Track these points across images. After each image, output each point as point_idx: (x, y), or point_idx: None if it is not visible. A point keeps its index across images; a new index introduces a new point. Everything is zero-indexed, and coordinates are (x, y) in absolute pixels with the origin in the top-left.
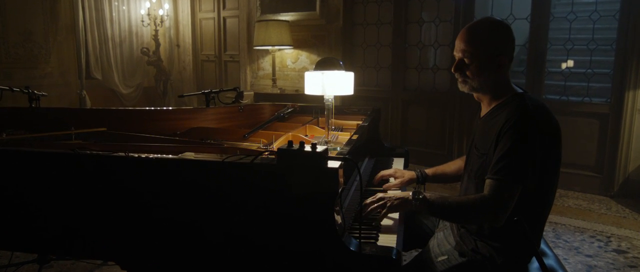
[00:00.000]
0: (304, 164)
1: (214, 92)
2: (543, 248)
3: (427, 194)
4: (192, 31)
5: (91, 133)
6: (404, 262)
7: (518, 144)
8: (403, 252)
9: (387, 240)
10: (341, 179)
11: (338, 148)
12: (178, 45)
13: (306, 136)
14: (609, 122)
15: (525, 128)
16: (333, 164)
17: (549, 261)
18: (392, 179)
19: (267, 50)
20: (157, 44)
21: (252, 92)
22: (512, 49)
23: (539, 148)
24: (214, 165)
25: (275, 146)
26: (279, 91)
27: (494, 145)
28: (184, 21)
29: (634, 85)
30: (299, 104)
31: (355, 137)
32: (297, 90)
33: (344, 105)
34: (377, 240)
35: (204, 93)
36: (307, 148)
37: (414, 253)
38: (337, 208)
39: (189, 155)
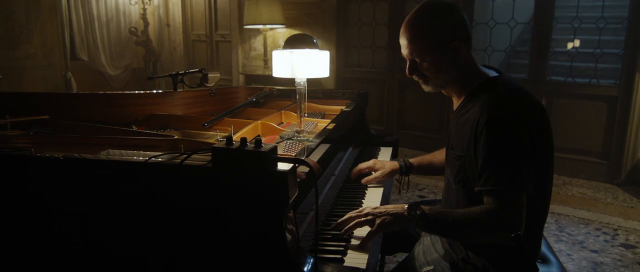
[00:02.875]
0: (244, 166)
1: (180, 74)
2: (544, 252)
3: (426, 209)
4: (182, 10)
5: (32, 122)
6: (386, 270)
7: (501, 142)
8: (387, 256)
9: (358, 259)
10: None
11: (310, 139)
12: (168, 25)
13: (281, 123)
14: (618, 106)
15: (504, 120)
16: (283, 166)
17: (552, 269)
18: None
19: (258, 29)
20: (146, 24)
21: (218, 75)
22: (464, 29)
23: (527, 140)
24: (128, 166)
25: (234, 138)
26: (270, 73)
27: (472, 145)
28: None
29: None
30: (277, 88)
31: (330, 126)
32: None
33: (328, 89)
34: (344, 256)
35: (170, 75)
36: (250, 146)
37: (401, 257)
38: (289, 221)
39: (114, 152)
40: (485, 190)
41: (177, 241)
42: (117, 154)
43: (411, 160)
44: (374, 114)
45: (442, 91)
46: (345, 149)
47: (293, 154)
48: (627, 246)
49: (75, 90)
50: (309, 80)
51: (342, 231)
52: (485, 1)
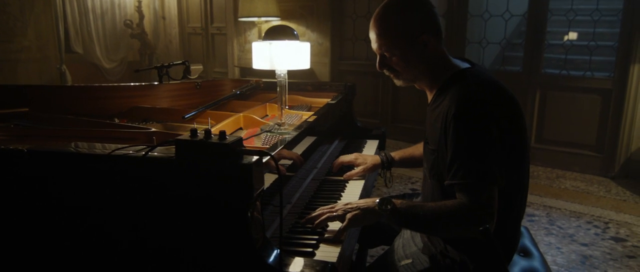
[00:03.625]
0: (208, 159)
1: (165, 67)
2: (527, 245)
3: (397, 203)
4: (178, 2)
5: (12, 114)
6: (368, 263)
7: (469, 134)
8: (369, 250)
9: (329, 253)
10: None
11: (289, 132)
12: (164, 17)
13: (266, 116)
14: (612, 98)
15: (472, 112)
16: (248, 159)
17: (533, 263)
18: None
19: (253, 22)
20: (141, 16)
21: (201, 67)
22: (433, 22)
23: (497, 132)
24: (91, 159)
25: (215, 130)
26: None
27: (443, 138)
28: None
29: None
30: (263, 80)
31: (311, 118)
32: None
33: (317, 81)
34: (316, 249)
35: (156, 67)
36: (214, 138)
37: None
38: (255, 213)
39: (83, 145)
40: (455, 183)
41: (140, 233)
42: (85, 147)
43: (393, 154)
44: (368, 107)
45: (415, 85)
46: (331, 141)
47: (268, 147)
48: (617, 240)
49: (70, 83)
50: (304, 73)
51: (313, 225)
52: None
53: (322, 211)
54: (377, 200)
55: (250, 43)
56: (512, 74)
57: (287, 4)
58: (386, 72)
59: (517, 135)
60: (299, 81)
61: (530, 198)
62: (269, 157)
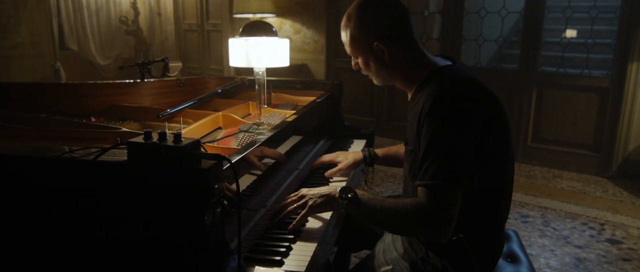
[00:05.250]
0: (161, 162)
1: (146, 64)
2: (515, 250)
3: (359, 193)
4: None
5: None
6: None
7: (441, 134)
8: (353, 254)
9: (301, 261)
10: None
11: (266, 132)
12: (159, 14)
13: (248, 115)
14: (610, 97)
15: (446, 111)
16: (205, 163)
17: (520, 269)
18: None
19: (249, 19)
20: (136, 13)
21: (180, 64)
22: (394, 27)
23: (471, 133)
24: (39, 162)
25: (191, 130)
26: None
27: (417, 138)
28: None
29: (639, 56)
30: (248, 78)
31: (291, 118)
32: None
33: (304, 79)
34: (285, 257)
35: (137, 65)
36: (169, 140)
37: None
38: (214, 220)
39: (36, 146)
40: (422, 184)
41: (90, 241)
42: (38, 149)
43: (376, 150)
44: (364, 106)
45: (395, 85)
46: (316, 141)
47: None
48: (612, 242)
49: (64, 81)
50: (299, 71)
51: (278, 218)
52: None
53: (285, 202)
54: (338, 188)
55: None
56: (508, 72)
57: (282, 1)
58: (363, 72)
59: (498, 136)
60: (289, 79)
61: (525, 199)
62: (225, 161)
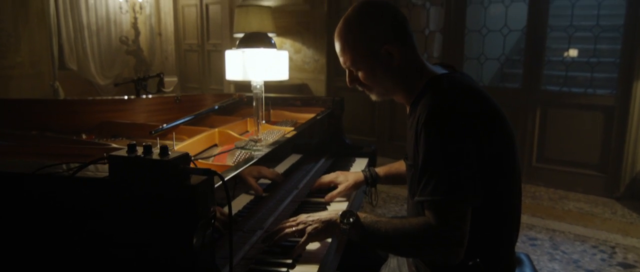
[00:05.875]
0: (145, 178)
1: (142, 79)
2: None
3: (361, 216)
4: (174, 19)
5: None
6: None
7: (439, 144)
8: None
9: None
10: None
11: (262, 148)
12: (160, 34)
13: (246, 132)
14: (615, 116)
15: (444, 121)
16: (194, 179)
17: None
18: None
19: None
20: (137, 33)
21: (175, 79)
22: (397, 31)
23: (472, 143)
24: (10, 177)
25: (184, 146)
26: None
27: (416, 150)
28: (165, 8)
29: None
30: (246, 94)
31: (290, 134)
32: (280, 81)
33: (304, 96)
34: None
35: (133, 81)
36: (155, 154)
37: None
38: (203, 240)
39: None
40: (422, 200)
41: (73, 260)
42: (14, 165)
43: (378, 169)
44: (364, 125)
45: (393, 98)
46: (317, 160)
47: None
48: (625, 266)
49: None
50: (298, 89)
51: (273, 241)
52: (478, 8)
53: (282, 225)
54: (340, 212)
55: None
56: (511, 90)
57: (282, 20)
58: (358, 88)
59: (500, 147)
60: (288, 96)
61: (532, 221)
62: (216, 176)
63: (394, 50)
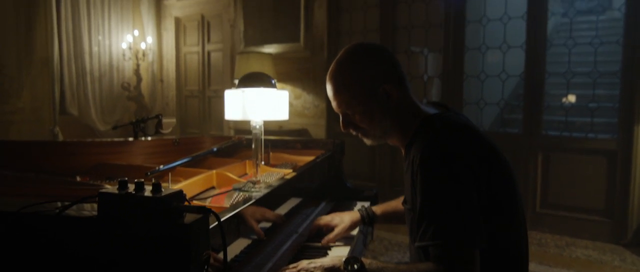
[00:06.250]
0: (136, 216)
1: (140, 121)
2: None
3: (366, 261)
4: (176, 66)
5: None
6: None
7: (436, 185)
8: None
9: None
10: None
11: (261, 191)
12: (162, 80)
13: (245, 174)
14: (618, 160)
15: (440, 158)
16: (189, 218)
17: None
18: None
19: None
20: (139, 79)
21: (174, 120)
22: (392, 70)
23: (470, 181)
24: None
25: (180, 187)
26: None
27: (414, 192)
28: (168, 56)
29: None
30: (245, 137)
31: (290, 175)
32: (280, 127)
33: (304, 139)
34: None
35: (131, 123)
36: (147, 191)
37: None
38: None
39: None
40: (424, 246)
41: None
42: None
43: (374, 208)
44: (365, 171)
45: (388, 142)
46: (317, 204)
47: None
48: None
49: None
50: (298, 135)
51: None
52: (476, 54)
53: None
54: (344, 259)
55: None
56: (512, 136)
57: (283, 66)
58: (352, 132)
59: (500, 186)
60: (288, 138)
61: (540, 269)
62: (212, 216)
63: (391, 89)
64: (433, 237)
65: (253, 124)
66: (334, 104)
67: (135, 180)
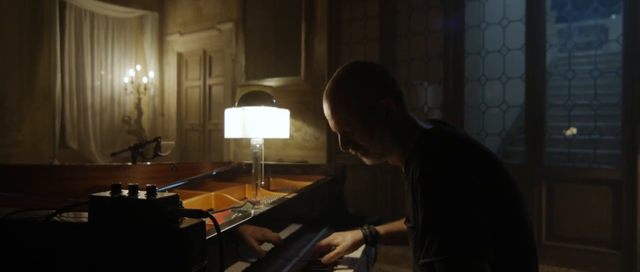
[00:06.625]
0: (128, 221)
1: (138, 146)
2: None
3: None
4: (178, 100)
5: None
6: None
7: (439, 196)
8: None
9: None
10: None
11: (261, 208)
12: (162, 114)
13: (244, 198)
14: (624, 189)
15: (439, 170)
16: (187, 222)
17: None
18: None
19: None
20: (140, 113)
21: (173, 143)
22: (389, 85)
23: (471, 192)
24: None
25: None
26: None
27: (415, 208)
28: (169, 90)
29: None
30: (245, 162)
31: (291, 195)
32: (281, 159)
33: (305, 164)
34: None
35: (129, 148)
36: (141, 194)
37: None
38: None
39: None
40: (429, 262)
41: None
42: None
43: (378, 228)
44: (366, 204)
45: (388, 161)
46: (318, 229)
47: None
48: None
49: None
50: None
51: None
52: (476, 86)
53: None
54: None
55: (247, 138)
56: (514, 166)
57: (284, 99)
58: (352, 151)
59: (502, 198)
60: (288, 164)
61: None
62: (208, 217)
63: (390, 104)
64: (438, 252)
65: (253, 143)
66: (331, 122)
67: (129, 184)
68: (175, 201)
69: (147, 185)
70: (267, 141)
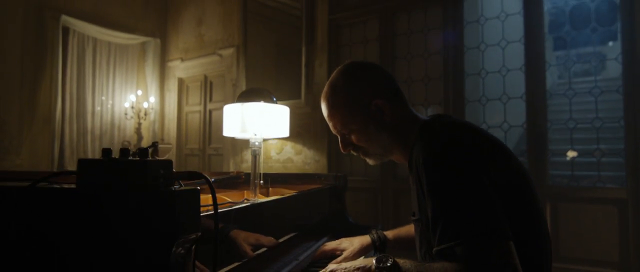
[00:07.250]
0: (118, 184)
1: (135, 154)
2: None
3: (400, 261)
4: (178, 125)
5: None
6: None
7: (447, 177)
8: None
9: None
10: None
11: (260, 199)
12: (162, 139)
13: (244, 199)
14: (630, 209)
15: (444, 151)
16: (176, 186)
17: None
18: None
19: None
20: (140, 138)
21: (171, 146)
22: (385, 85)
23: (479, 170)
24: None
25: None
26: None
27: (422, 197)
28: (170, 115)
29: None
30: (244, 172)
31: (288, 193)
32: None
33: (304, 173)
34: None
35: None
36: (133, 157)
37: None
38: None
39: None
40: (445, 248)
41: None
42: None
43: (386, 232)
44: (367, 215)
45: (392, 159)
46: (318, 238)
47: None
48: None
49: None
50: None
51: None
52: (476, 106)
53: None
54: (374, 259)
55: (246, 162)
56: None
57: None
58: (353, 153)
59: (509, 174)
60: (287, 173)
61: None
62: (202, 178)
63: (384, 104)
64: (457, 235)
65: (252, 140)
66: (330, 125)
67: (121, 147)
68: (168, 165)
69: (139, 147)
70: (266, 164)
